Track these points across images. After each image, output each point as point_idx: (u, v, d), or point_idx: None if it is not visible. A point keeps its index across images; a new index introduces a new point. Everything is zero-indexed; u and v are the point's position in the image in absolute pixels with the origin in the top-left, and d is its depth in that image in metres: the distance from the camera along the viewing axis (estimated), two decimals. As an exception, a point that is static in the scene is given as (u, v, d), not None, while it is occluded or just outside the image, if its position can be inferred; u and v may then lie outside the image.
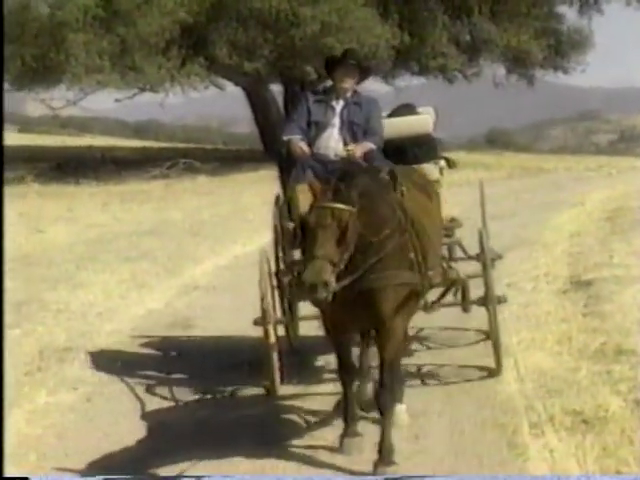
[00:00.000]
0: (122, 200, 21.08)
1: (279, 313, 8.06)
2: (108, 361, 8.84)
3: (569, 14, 31.11)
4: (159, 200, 21.06)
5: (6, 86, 26.63)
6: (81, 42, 23.86)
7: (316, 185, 5.91)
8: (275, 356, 7.42)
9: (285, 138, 7.62)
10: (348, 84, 7.58)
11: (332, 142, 7.56)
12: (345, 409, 6.45)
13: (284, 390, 7.57)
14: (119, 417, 7.56)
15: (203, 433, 7.00)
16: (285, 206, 7.64)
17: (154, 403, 7.74)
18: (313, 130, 7.58)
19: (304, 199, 6.81)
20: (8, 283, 11.77)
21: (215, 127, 69.74)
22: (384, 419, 6.15)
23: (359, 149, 7.34)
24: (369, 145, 7.44)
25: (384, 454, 6.08)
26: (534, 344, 8.67)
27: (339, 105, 7.60)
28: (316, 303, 5.91)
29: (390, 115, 8.20)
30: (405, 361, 7.54)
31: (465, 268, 8.04)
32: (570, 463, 6.16)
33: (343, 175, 5.88)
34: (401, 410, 6.68)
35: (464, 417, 7.10)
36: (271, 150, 26.61)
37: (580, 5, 31.41)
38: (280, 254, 7.97)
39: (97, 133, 44.66)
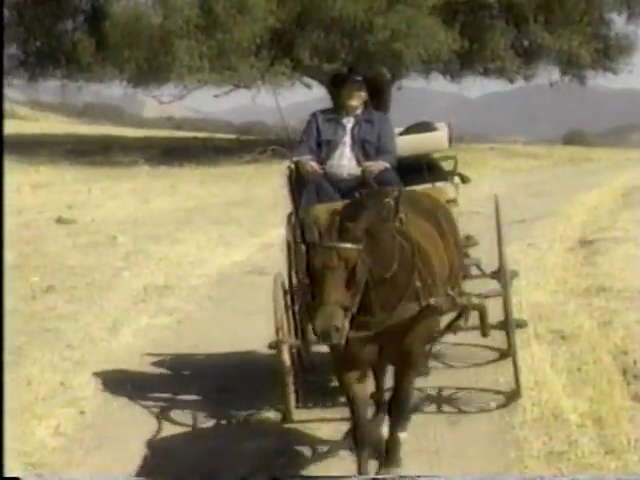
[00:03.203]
0: (217, 179, 21.73)
1: (293, 335, 6.89)
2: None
3: (618, 22, 31.25)
4: (248, 179, 21.62)
5: (124, 84, 27.92)
6: (185, 47, 24.78)
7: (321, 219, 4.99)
8: (290, 380, 6.35)
9: (294, 159, 6.80)
10: (356, 102, 6.82)
11: (344, 161, 6.79)
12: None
13: (299, 415, 6.46)
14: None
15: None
16: (298, 227, 6.46)
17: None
18: (324, 149, 6.81)
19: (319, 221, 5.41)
20: (120, 238, 13.11)
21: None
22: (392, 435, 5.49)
23: (375, 167, 6.60)
24: (383, 164, 6.64)
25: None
26: (538, 286, 9.54)
27: (350, 123, 6.83)
28: (331, 346, 5.07)
29: (404, 132, 7.35)
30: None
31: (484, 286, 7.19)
32: (545, 364, 7.08)
33: (349, 209, 5.08)
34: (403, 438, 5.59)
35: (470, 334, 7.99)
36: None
37: (628, 15, 31.67)
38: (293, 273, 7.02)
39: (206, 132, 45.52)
